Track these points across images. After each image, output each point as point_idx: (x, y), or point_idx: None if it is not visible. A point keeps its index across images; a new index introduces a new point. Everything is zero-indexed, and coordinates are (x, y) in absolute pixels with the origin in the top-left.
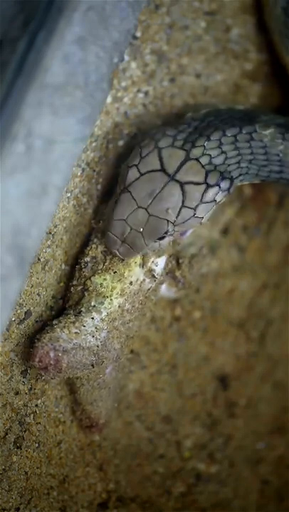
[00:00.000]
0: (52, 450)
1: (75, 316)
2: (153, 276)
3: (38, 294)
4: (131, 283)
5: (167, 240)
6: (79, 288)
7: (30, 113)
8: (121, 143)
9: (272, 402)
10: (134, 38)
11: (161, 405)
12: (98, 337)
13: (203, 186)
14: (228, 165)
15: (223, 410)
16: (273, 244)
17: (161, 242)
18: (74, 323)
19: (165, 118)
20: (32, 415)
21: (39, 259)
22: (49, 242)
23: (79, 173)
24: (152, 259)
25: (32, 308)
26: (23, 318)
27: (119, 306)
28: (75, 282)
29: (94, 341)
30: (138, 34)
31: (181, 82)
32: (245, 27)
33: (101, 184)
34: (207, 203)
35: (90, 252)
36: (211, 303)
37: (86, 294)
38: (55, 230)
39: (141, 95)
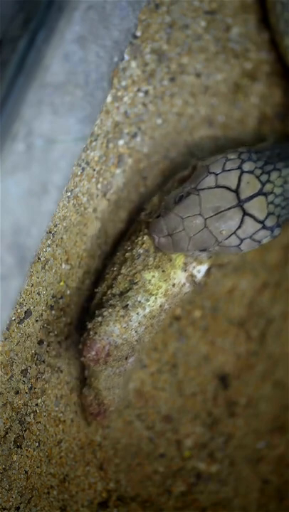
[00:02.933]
0: (52, 449)
1: (123, 309)
2: (194, 281)
3: (38, 294)
4: (174, 285)
5: (204, 254)
6: (128, 278)
7: (30, 112)
8: (121, 142)
9: (272, 401)
10: (135, 37)
11: (161, 404)
12: (139, 332)
13: (260, 225)
14: (282, 207)
15: (223, 409)
16: (273, 243)
17: (198, 253)
18: (123, 317)
19: (164, 117)
20: (32, 414)
21: (39, 259)
22: (49, 242)
23: (79, 173)
24: (193, 264)
25: (32, 307)
26: (23, 318)
27: (160, 306)
28: (124, 271)
29: (135, 336)
30: (138, 33)
31: (181, 81)
32: (245, 26)
33: (101, 183)
34: (254, 241)
35: (144, 245)
36: (212, 302)
37: (134, 287)
38: (55, 229)
39: (141, 94)
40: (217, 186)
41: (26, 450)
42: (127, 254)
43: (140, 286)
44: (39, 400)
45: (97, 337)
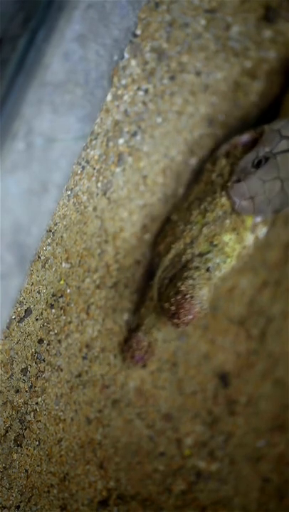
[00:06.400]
0: (52, 448)
1: (207, 272)
2: (256, 243)
3: (39, 292)
4: (244, 247)
5: (272, 215)
6: (209, 240)
7: (30, 111)
8: (121, 141)
9: (272, 400)
10: (134, 35)
11: (161, 403)
12: (211, 292)
13: None
14: None
15: (223, 408)
16: (274, 242)
17: (272, 215)
18: (208, 280)
19: (164, 115)
20: (32, 413)
21: (39, 257)
22: (49, 240)
23: (79, 171)
24: (259, 226)
25: (32, 306)
26: (24, 316)
27: (232, 268)
28: (205, 232)
29: (208, 296)
30: (138, 32)
31: (181, 80)
32: (245, 25)
33: (101, 182)
34: None
35: (224, 207)
36: (212, 301)
37: (214, 249)
38: (55, 228)
39: (141, 93)
40: None
41: (26, 449)
42: (207, 214)
43: (219, 249)
44: (39, 399)
45: (194, 301)
